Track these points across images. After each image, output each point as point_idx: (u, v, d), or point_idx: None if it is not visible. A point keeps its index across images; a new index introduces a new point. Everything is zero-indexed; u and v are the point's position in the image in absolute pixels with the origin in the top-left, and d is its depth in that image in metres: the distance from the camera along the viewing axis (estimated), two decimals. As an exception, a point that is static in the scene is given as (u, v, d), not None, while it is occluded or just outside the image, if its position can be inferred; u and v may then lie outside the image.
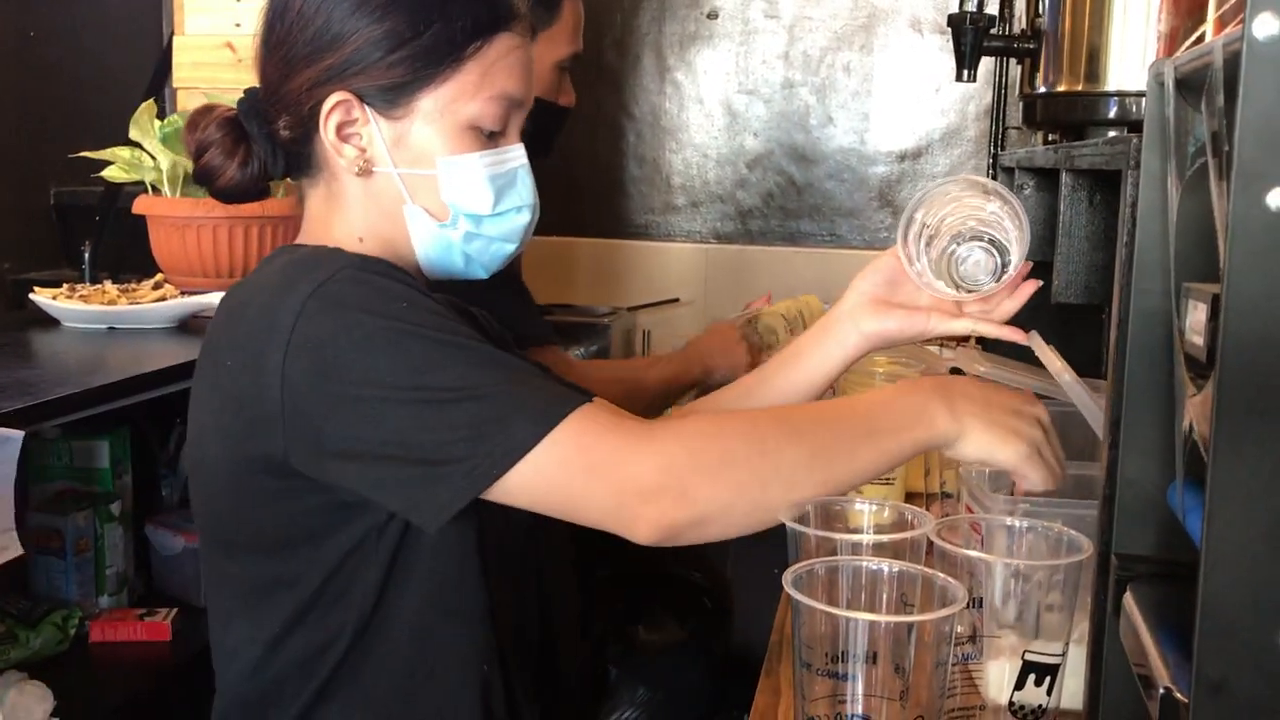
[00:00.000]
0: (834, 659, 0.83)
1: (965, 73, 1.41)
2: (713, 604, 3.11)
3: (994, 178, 1.95)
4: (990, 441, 0.94)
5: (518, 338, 1.32)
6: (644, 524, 0.87)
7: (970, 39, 1.38)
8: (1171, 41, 1.27)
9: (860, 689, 0.79)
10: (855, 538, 0.93)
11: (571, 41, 1.62)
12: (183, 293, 1.79)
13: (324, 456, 0.91)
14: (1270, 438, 0.55)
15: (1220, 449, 0.56)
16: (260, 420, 0.92)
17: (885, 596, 0.84)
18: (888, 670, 0.82)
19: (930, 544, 0.96)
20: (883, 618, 0.79)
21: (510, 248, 1.06)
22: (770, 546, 3.21)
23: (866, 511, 0.97)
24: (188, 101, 2.13)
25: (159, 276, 1.85)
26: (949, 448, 0.96)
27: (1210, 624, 0.57)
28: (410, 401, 0.87)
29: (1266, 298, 0.55)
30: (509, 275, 1.76)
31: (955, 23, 1.39)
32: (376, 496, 0.92)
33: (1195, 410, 0.67)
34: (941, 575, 0.81)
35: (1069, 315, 1.78)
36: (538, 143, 1.69)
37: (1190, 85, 0.70)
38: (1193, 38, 0.82)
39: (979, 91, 3.03)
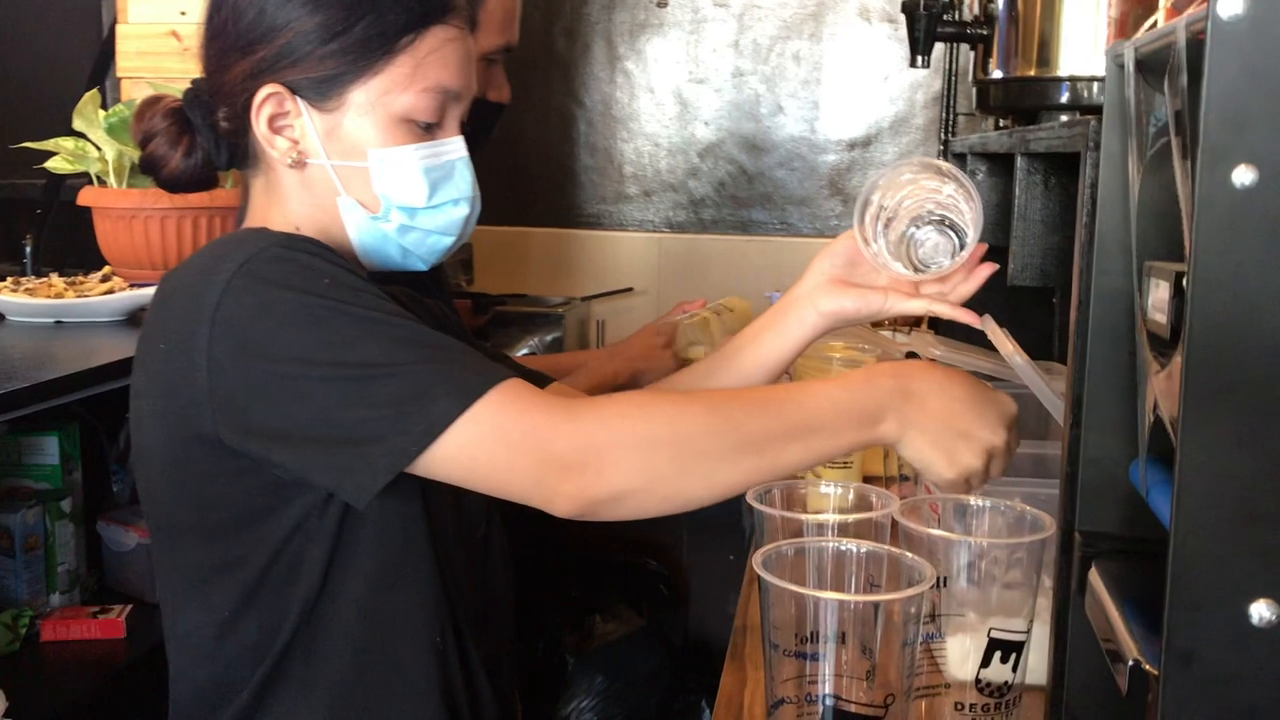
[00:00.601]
0: (803, 640, 0.83)
1: (919, 59, 1.42)
2: (668, 591, 3.13)
3: (945, 164, 1.97)
4: (926, 458, 0.94)
5: None
6: (562, 498, 0.88)
7: (924, 25, 1.39)
8: (1122, 26, 1.28)
9: (830, 669, 0.80)
10: (821, 518, 0.93)
11: (500, 33, 1.58)
12: (131, 285, 1.76)
13: (252, 436, 0.91)
14: (1236, 412, 0.56)
15: (1188, 425, 0.57)
16: (192, 402, 0.92)
17: (853, 577, 0.85)
18: (856, 650, 0.83)
19: (894, 525, 0.97)
20: (853, 597, 0.80)
21: (448, 240, 1.06)
22: (725, 534, 3.23)
23: (832, 494, 0.97)
24: (132, 91, 2.10)
25: (106, 269, 1.82)
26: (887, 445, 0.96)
27: (1180, 596, 0.58)
28: (333, 379, 0.87)
29: (1232, 275, 0.56)
30: (437, 276, 1.74)
31: (909, 9, 1.40)
32: (305, 475, 0.92)
33: (1159, 387, 0.68)
34: (910, 555, 0.82)
35: (1019, 298, 1.80)
36: (467, 140, 1.66)
37: (1151, 66, 0.71)
38: (1147, 24, 0.83)
39: (927, 79, 3.05)
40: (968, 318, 1.15)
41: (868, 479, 1.60)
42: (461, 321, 1.30)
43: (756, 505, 0.92)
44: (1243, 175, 0.55)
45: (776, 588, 0.80)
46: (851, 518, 0.92)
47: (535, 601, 2.48)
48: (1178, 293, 0.67)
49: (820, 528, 0.91)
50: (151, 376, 0.98)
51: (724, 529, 3.29)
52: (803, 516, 0.92)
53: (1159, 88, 0.70)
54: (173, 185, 1.08)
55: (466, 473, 0.89)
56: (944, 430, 0.93)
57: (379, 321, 0.90)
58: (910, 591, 0.79)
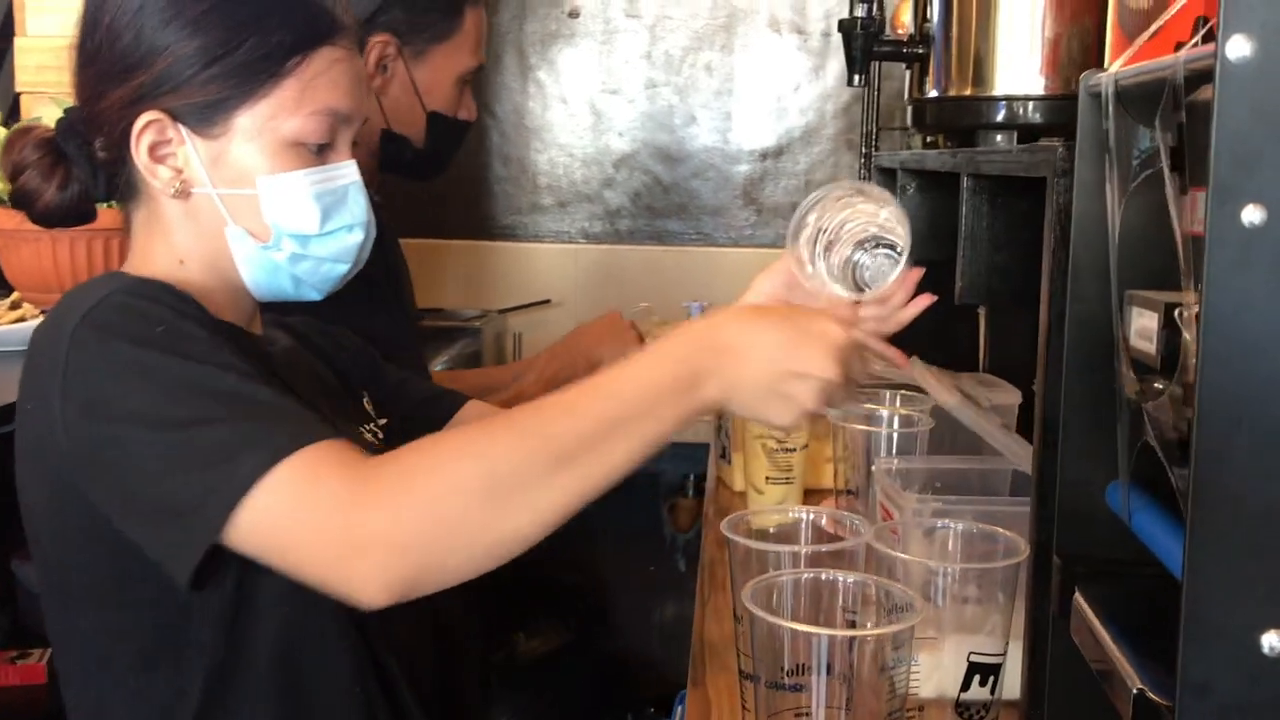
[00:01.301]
0: (787, 671, 0.83)
1: (857, 77, 1.43)
2: (590, 606, 3.12)
3: (869, 177, 1.99)
4: (757, 411, 0.88)
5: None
6: (370, 584, 0.79)
7: (860, 44, 1.40)
8: (1055, 46, 1.31)
9: (822, 701, 0.80)
10: (794, 548, 0.93)
11: (474, 53, 1.58)
12: (42, 311, 1.68)
13: (99, 498, 0.88)
14: (1247, 447, 0.57)
15: (1202, 458, 0.58)
16: (59, 462, 0.89)
17: (840, 608, 0.84)
18: (839, 680, 0.82)
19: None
20: (852, 633, 0.79)
21: (343, 268, 1.03)
22: (645, 544, 3.22)
23: (805, 519, 0.97)
24: (34, 107, 2.01)
25: (15, 295, 1.74)
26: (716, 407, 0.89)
27: (1194, 628, 0.59)
28: (153, 442, 0.84)
29: (1244, 309, 0.57)
30: (396, 282, 1.70)
31: (845, 28, 1.41)
32: (142, 547, 0.86)
33: (1153, 415, 0.69)
34: (898, 586, 0.82)
35: (946, 309, 1.83)
36: (435, 159, 1.66)
37: (1133, 99, 0.72)
38: (1120, 60, 0.84)
39: (836, 90, 3.09)
40: (896, 359, 1.14)
41: (809, 492, 1.61)
42: (366, 351, 1.22)
43: (730, 535, 0.91)
44: (1251, 214, 0.56)
45: (769, 623, 0.79)
46: (826, 547, 0.92)
47: (461, 625, 2.46)
48: (1168, 323, 0.68)
49: (794, 556, 0.91)
50: (25, 436, 0.94)
51: (644, 539, 3.30)
52: (774, 547, 0.91)
53: (1142, 120, 0.72)
54: (47, 220, 1.03)
55: (264, 546, 0.82)
56: (769, 378, 0.86)
57: (200, 375, 0.85)
58: (903, 624, 0.79)
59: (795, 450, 1.54)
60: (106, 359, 0.86)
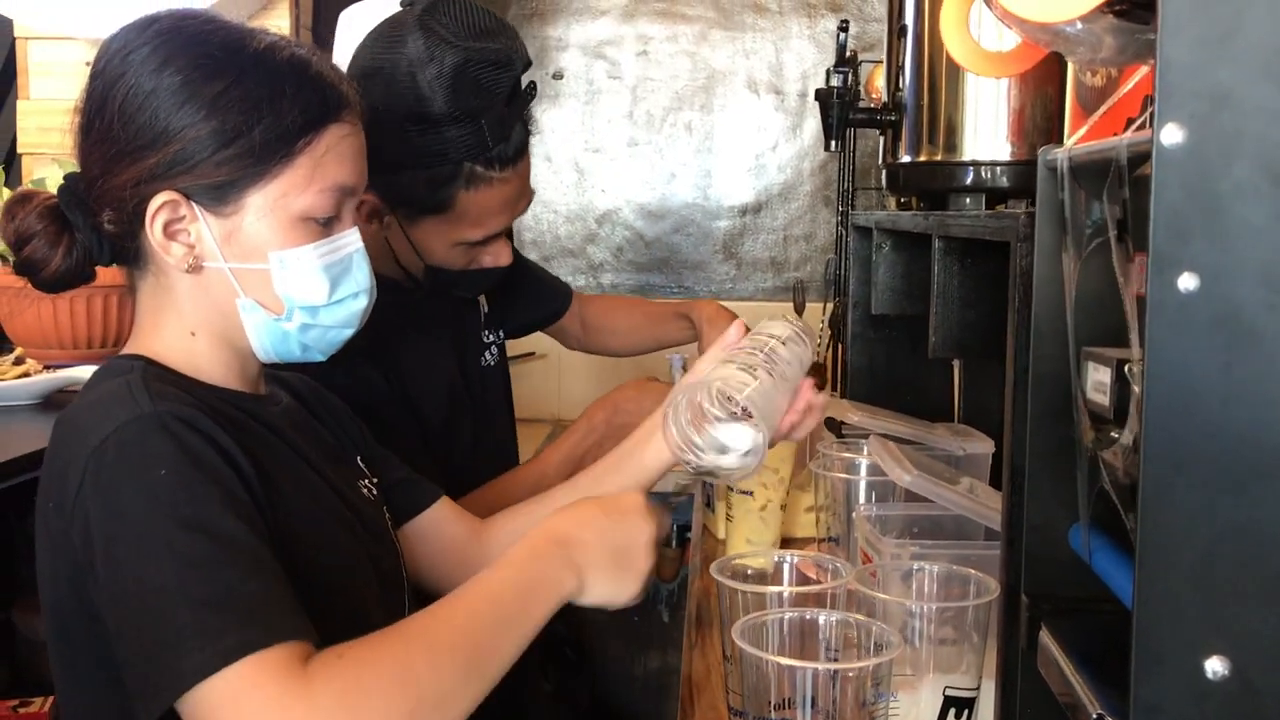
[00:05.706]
0: (774, 706, 0.88)
1: (833, 143, 1.51)
2: (574, 654, 3.13)
3: (845, 235, 2.07)
4: (607, 593, 0.96)
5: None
6: None
7: (837, 112, 1.48)
8: (1020, 116, 1.39)
9: (807, 733, 0.85)
10: (779, 589, 0.99)
11: (477, 226, 1.45)
12: (45, 367, 1.73)
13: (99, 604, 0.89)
14: (1190, 487, 0.63)
15: (1148, 499, 0.64)
16: (76, 571, 0.91)
17: (823, 645, 0.90)
18: (823, 714, 0.88)
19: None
20: (833, 665, 0.85)
21: (348, 332, 1.07)
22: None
23: (788, 563, 1.03)
24: (35, 168, 2.07)
25: (19, 351, 1.79)
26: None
27: (1144, 654, 0.64)
28: (122, 595, 0.86)
29: (1181, 367, 0.63)
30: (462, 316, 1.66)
31: (822, 97, 1.49)
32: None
33: (1108, 461, 0.75)
34: (877, 623, 0.88)
35: (921, 363, 1.90)
36: (450, 290, 1.56)
37: (1085, 173, 0.79)
38: (1075, 136, 0.92)
39: (813, 149, 3.19)
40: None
41: (792, 540, 1.66)
42: (352, 417, 1.23)
43: (721, 579, 0.97)
44: (1186, 281, 0.63)
45: (757, 658, 0.85)
46: (809, 589, 0.97)
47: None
48: (1119, 377, 0.75)
49: (780, 597, 0.96)
50: (44, 530, 0.95)
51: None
52: (763, 588, 0.97)
53: (1093, 193, 0.79)
54: (51, 286, 1.05)
55: None
56: (609, 556, 0.95)
57: (179, 540, 0.86)
58: (884, 657, 0.84)
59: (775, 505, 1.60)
60: (104, 503, 0.88)
